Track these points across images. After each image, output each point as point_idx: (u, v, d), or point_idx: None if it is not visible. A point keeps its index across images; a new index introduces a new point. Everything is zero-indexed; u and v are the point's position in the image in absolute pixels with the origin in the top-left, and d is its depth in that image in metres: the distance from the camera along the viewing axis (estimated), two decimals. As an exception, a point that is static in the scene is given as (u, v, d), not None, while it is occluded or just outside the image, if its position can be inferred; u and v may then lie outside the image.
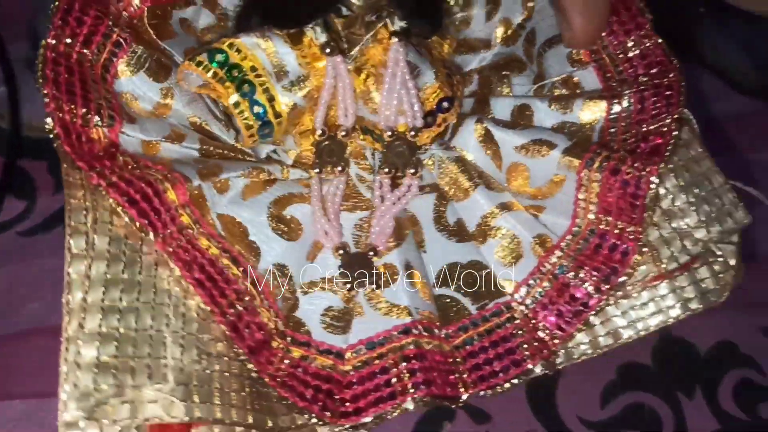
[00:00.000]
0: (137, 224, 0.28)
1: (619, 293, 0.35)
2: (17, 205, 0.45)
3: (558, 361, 0.36)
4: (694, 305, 0.35)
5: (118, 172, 0.28)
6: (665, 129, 0.34)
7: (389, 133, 0.35)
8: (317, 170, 0.35)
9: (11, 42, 0.50)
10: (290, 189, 0.35)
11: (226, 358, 0.29)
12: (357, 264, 0.34)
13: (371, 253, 0.34)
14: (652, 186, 0.32)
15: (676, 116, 0.34)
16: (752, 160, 0.53)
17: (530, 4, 0.40)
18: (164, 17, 0.36)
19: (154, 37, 0.35)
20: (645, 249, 0.34)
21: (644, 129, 0.35)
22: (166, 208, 0.29)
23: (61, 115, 0.28)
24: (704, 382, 0.44)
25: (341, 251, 0.34)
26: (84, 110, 0.30)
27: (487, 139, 0.37)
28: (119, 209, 0.28)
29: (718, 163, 0.36)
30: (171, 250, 0.29)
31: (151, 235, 0.28)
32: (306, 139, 0.36)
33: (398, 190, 0.35)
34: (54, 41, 0.30)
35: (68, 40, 0.31)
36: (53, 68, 0.29)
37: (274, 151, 0.37)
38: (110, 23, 0.32)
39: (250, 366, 0.29)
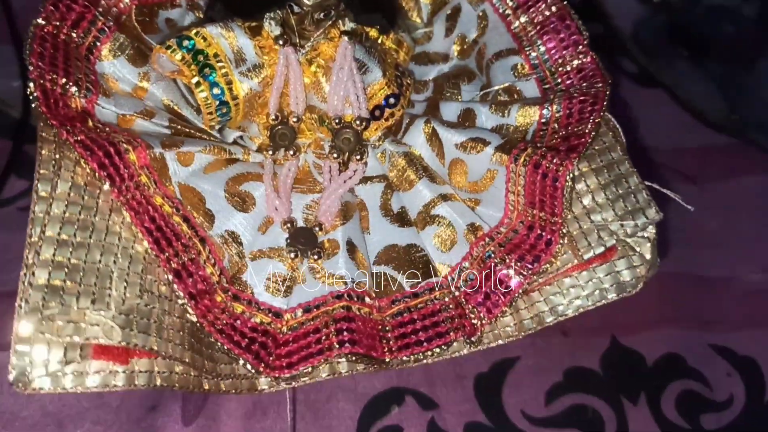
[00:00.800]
0: (96, 174, 0.32)
1: (542, 280, 0.38)
2: (20, 184, 0.50)
3: (486, 341, 0.39)
4: (611, 294, 0.39)
5: (86, 132, 0.33)
6: (585, 131, 0.37)
7: (337, 121, 0.39)
8: (270, 152, 0.39)
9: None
10: (248, 169, 0.39)
11: (168, 300, 0.32)
12: (303, 237, 0.37)
13: (317, 228, 0.38)
14: (569, 179, 0.36)
15: (597, 121, 0.38)
16: (719, 188, 0.56)
17: (483, 23, 0.45)
18: (151, 15, 0.41)
19: (140, 32, 0.40)
20: (566, 240, 0.37)
21: (568, 131, 0.38)
22: (125, 166, 0.33)
23: (42, 81, 0.33)
24: (649, 390, 0.46)
25: (288, 225, 0.38)
26: (64, 80, 0.34)
27: (433, 137, 0.41)
28: (82, 161, 0.32)
29: (683, 189, 0.39)
30: (124, 200, 0.33)
31: (107, 185, 0.32)
32: (267, 129, 0.40)
33: (345, 174, 0.39)
34: (44, 22, 0.35)
35: (57, 23, 0.36)
36: (40, 44, 0.34)
37: (241, 137, 0.41)
38: (97, 12, 0.37)
39: (190, 310, 0.33)
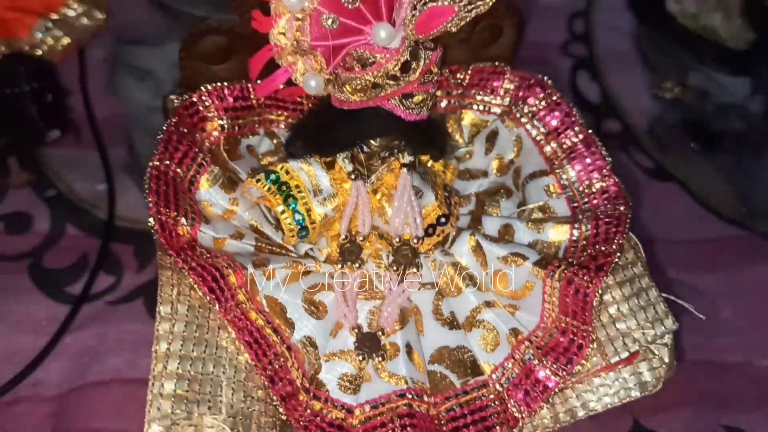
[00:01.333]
0: (207, 298, 0.39)
1: (575, 379, 0.44)
2: (107, 279, 0.56)
3: (526, 430, 0.45)
4: (634, 393, 0.45)
5: (197, 259, 0.40)
6: (611, 251, 0.44)
7: (397, 240, 0.45)
8: (340, 266, 0.45)
9: (111, 148, 0.63)
10: (320, 279, 0.45)
11: (264, 402, 0.39)
12: (368, 341, 0.44)
13: (380, 333, 0.44)
14: (597, 294, 0.42)
15: (620, 242, 0.44)
16: (731, 278, 0.62)
17: (517, 147, 0.51)
18: (235, 144, 0.48)
19: (227, 158, 0.47)
20: (595, 345, 0.43)
21: (595, 249, 0.44)
22: (228, 288, 0.40)
23: (159, 216, 0.40)
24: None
25: (356, 330, 0.44)
26: (175, 213, 0.41)
27: (477, 249, 0.47)
28: (196, 286, 0.39)
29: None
30: (230, 318, 0.39)
31: (217, 306, 0.39)
32: (335, 241, 0.47)
33: (402, 284, 0.45)
34: (158, 162, 0.42)
35: (167, 162, 0.43)
36: (156, 182, 0.41)
37: (311, 249, 0.48)
38: (197, 150, 0.44)
39: (281, 410, 0.39)
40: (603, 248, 0.44)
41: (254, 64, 0.42)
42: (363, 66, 0.40)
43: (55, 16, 0.67)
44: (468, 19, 0.39)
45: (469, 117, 0.53)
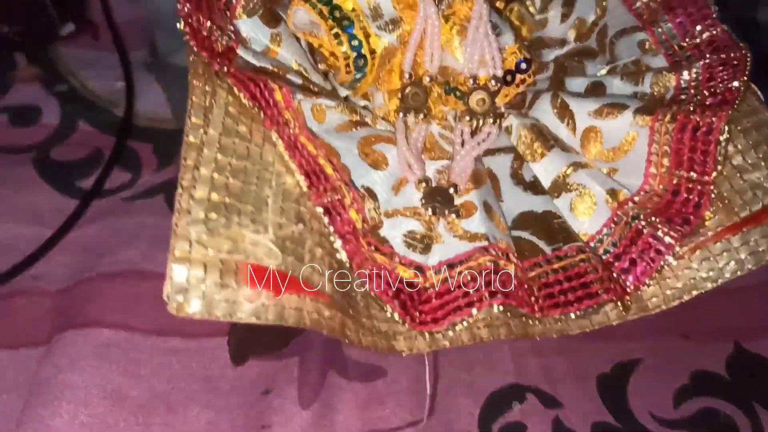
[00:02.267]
0: (249, 103, 0.31)
1: (692, 245, 0.36)
2: (123, 175, 0.49)
3: (631, 312, 0.36)
4: (767, 256, 0.36)
5: (235, 66, 0.32)
6: (733, 88, 0.36)
7: (471, 82, 0.38)
8: (402, 112, 0.38)
9: (132, 49, 0.56)
10: (378, 132, 0.38)
11: (318, 234, 0.31)
12: (439, 195, 0.36)
13: (452, 189, 0.36)
14: (723, 131, 0.34)
15: (744, 79, 0.36)
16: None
17: (603, 4, 0.44)
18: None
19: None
20: (717, 201, 0.35)
21: (713, 90, 0.37)
22: (273, 102, 0.32)
23: (190, 20, 0.33)
24: (782, 398, 0.42)
25: (424, 183, 0.36)
26: (209, 23, 0.34)
27: (563, 109, 0.40)
28: (235, 90, 0.31)
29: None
30: (277, 131, 0.32)
31: (261, 114, 0.31)
32: (393, 97, 0.39)
33: (478, 136, 0.38)
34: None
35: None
36: (186, -14, 0.34)
37: (365, 107, 0.40)
38: (234, -31, 0.37)
39: (340, 249, 0.31)
40: (722, 88, 0.36)
41: None
42: None
43: None
44: None
45: (543, -22, 0.46)
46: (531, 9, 0.46)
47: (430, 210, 0.35)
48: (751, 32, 0.74)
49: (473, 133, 0.38)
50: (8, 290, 0.42)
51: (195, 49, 0.32)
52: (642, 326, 0.39)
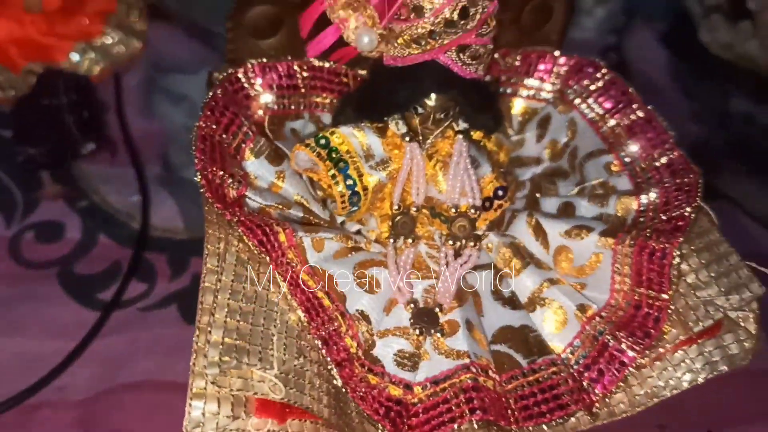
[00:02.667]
0: (257, 250, 0.36)
1: (653, 356, 0.40)
2: (140, 286, 0.54)
3: (600, 417, 0.40)
4: (721, 367, 0.40)
5: (246, 214, 0.37)
6: (686, 214, 0.41)
7: (453, 210, 0.42)
8: (392, 240, 0.42)
9: (147, 164, 0.62)
10: (371, 256, 0.42)
11: (317, 365, 0.35)
12: (425, 316, 0.40)
13: (437, 309, 0.41)
14: (676, 255, 0.39)
15: (695, 204, 0.41)
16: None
17: (571, 131, 0.49)
18: (280, 125, 0.46)
19: (271, 138, 0.45)
20: (674, 316, 0.40)
21: (668, 215, 0.41)
22: (278, 245, 0.37)
23: (205, 172, 0.38)
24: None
25: (412, 305, 0.41)
26: (221, 173, 0.39)
27: (537, 228, 0.44)
28: (245, 238, 0.36)
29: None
30: (281, 272, 0.36)
31: (268, 258, 0.36)
32: (385, 222, 0.44)
33: (461, 258, 0.42)
34: (204, 124, 0.40)
35: (213, 126, 0.41)
36: (202, 141, 0.39)
37: (359, 231, 0.45)
38: (243, 119, 0.42)
39: (336, 376, 0.35)
40: (676, 213, 0.41)
41: (305, 19, 0.40)
42: (419, 14, 0.39)
43: (93, 43, 0.68)
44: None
45: (519, 105, 0.51)
46: (509, 131, 0.51)
47: (417, 330, 0.39)
48: (724, 123, 0.79)
49: (456, 256, 0.42)
50: (35, 402, 0.46)
51: (210, 200, 0.36)
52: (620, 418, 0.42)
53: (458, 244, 0.43)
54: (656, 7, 0.90)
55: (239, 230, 0.36)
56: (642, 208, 0.43)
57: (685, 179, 0.43)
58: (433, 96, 0.42)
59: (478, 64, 0.41)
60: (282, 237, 0.38)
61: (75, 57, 0.66)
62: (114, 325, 0.51)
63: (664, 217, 0.42)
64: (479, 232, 0.44)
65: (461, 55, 0.40)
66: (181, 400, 0.37)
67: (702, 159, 0.73)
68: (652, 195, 0.43)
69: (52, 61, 0.65)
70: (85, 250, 0.55)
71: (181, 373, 0.48)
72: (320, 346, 0.35)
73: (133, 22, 0.72)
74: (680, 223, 0.40)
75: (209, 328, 0.32)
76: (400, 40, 0.39)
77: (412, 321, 0.40)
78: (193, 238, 0.57)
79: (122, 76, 0.69)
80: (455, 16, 0.38)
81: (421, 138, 0.43)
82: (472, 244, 0.43)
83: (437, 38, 0.39)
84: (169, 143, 0.64)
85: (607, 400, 0.40)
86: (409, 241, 0.43)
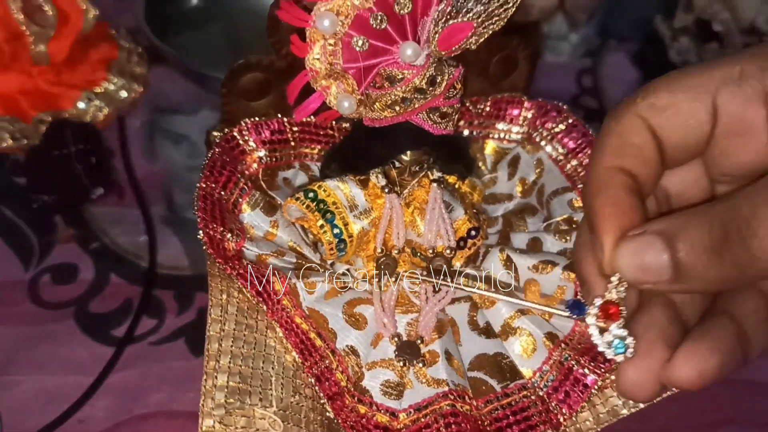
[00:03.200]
0: (255, 300, 0.41)
1: (614, 377, 0.45)
2: (149, 322, 0.58)
3: (568, 433, 0.45)
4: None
5: (243, 267, 0.42)
6: None
7: (430, 251, 0.47)
8: (377, 279, 0.47)
9: (152, 205, 0.66)
10: (359, 295, 0.47)
11: (312, 400, 0.40)
12: (408, 348, 0.45)
13: (419, 341, 0.45)
14: None
15: None
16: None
17: (539, 169, 0.54)
18: (272, 176, 0.51)
19: (265, 189, 0.50)
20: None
21: None
22: (274, 293, 0.42)
23: (207, 230, 0.43)
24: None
25: (396, 339, 0.45)
26: (221, 229, 0.44)
27: (508, 263, 0.49)
28: (244, 290, 0.41)
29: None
30: (276, 318, 0.41)
31: (265, 308, 0.41)
32: (371, 261, 0.49)
33: (438, 295, 0.47)
34: (204, 185, 0.45)
35: (212, 185, 0.46)
36: (203, 200, 0.44)
37: (347, 270, 0.50)
38: (239, 176, 0.47)
39: (329, 409, 0.40)
40: None
41: (292, 89, 0.45)
42: (392, 83, 0.43)
43: (97, 90, 0.72)
44: (486, 36, 0.42)
45: (490, 146, 0.56)
46: (483, 168, 0.56)
47: (401, 362, 0.44)
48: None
49: (435, 291, 0.47)
50: (59, 435, 0.51)
51: (213, 256, 0.41)
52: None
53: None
54: (628, 28, 0.94)
55: (239, 282, 0.41)
56: (601, 243, 0.48)
57: None
58: (408, 152, 0.46)
59: (447, 122, 0.45)
60: (278, 286, 0.42)
61: (81, 105, 0.71)
62: (127, 359, 0.56)
63: None
64: (456, 268, 0.48)
65: (431, 115, 0.45)
66: (192, 426, 0.42)
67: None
68: None
69: (60, 109, 0.70)
70: (98, 289, 0.60)
71: (190, 403, 0.53)
72: (314, 383, 0.40)
73: (134, 67, 0.76)
74: None
75: (215, 373, 0.37)
76: (377, 105, 0.44)
77: (396, 353, 0.45)
78: (198, 274, 0.62)
79: (125, 120, 0.73)
80: (424, 84, 0.43)
81: (399, 188, 0.47)
82: (448, 281, 0.47)
83: (409, 103, 0.44)
84: (171, 184, 0.69)
85: (573, 419, 0.44)
86: (393, 279, 0.47)
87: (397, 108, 0.44)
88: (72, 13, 0.70)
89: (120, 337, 0.57)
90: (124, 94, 0.74)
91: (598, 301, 0.34)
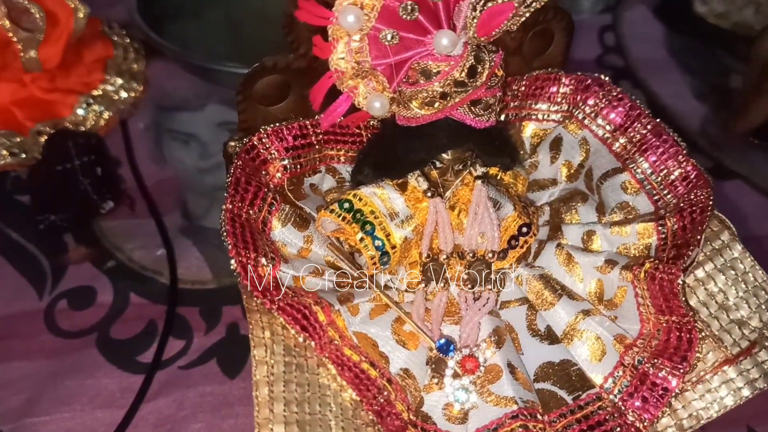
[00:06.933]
0: (301, 337, 0.37)
1: (694, 379, 0.41)
2: (177, 344, 0.55)
3: (649, 444, 0.41)
4: (760, 384, 0.41)
5: (283, 299, 0.38)
6: (693, 240, 0.41)
7: (471, 255, 0.43)
8: (423, 285, 0.43)
9: (166, 214, 0.62)
10: (406, 309, 0.43)
11: (374, 438, 0.36)
12: (434, 363, 0.41)
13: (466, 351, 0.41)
14: (680, 282, 0.39)
15: (702, 229, 0.41)
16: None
17: (584, 150, 0.49)
18: (298, 184, 0.47)
19: (293, 199, 0.46)
20: (709, 338, 0.41)
21: (680, 241, 0.42)
22: (319, 326, 0.38)
23: (240, 258, 0.38)
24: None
25: (433, 352, 0.41)
26: (255, 254, 0.39)
27: (568, 259, 0.45)
28: (288, 326, 0.37)
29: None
30: (327, 354, 0.37)
31: (313, 344, 0.37)
32: (414, 269, 0.45)
33: (479, 302, 0.43)
34: (231, 205, 0.41)
35: (239, 204, 0.41)
36: (232, 224, 0.40)
37: (390, 280, 0.46)
38: (266, 190, 0.43)
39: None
40: (689, 238, 0.42)
41: (315, 94, 0.40)
42: (427, 77, 0.39)
43: (95, 93, 0.68)
44: (527, 15, 0.37)
45: (529, 128, 0.52)
46: (523, 154, 0.51)
47: (435, 379, 0.41)
48: (725, 99, 0.79)
49: (476, 299, 0.43)
50: (94, 478, 0.48)
51: (249, 289, 0.37)
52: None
53: (476, 287, 0.43)
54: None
55: (281, 318, 0.37)
56: (663, 236, 0.43)
57: (700, 196, 0.43)
58: (449, 150, 0.42)
59: (490, 113, 0.41)
60: (321, 316, 0.39)
61: (80, 111, 0.66)
62: (158, 387, 0.52)
63: (678, 243, 0.42)
64: (506, 270, 0.44)
65: (473, 108, 0.40)
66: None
67: (710, 138, 0.74)
68: (670, 222, 0.43)
69: (58, 117, 0.66)
70: (118, 312, 0.57)
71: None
72: (375, 420, 0.37)
73: (131, 64, 0.72)
74: (684, 251, 0.41)
75: (270, 425, 0.34)
76: (413, 103, 0.40)
77: (433, 368, 0.41)
78: (223, 287, 0.58)
79: (128, 123, 0.69)
80: (464, 76, 0.38)
81: (442, 189, 0.43)
82: (489, 287, 0.43)
83: (449, 99, 0.39)
84: (184, 189, 0.65)
85: (654, 426, 0.41)
86: (441, 285, 0.43)
87: (437, 105, 0.39)
88: (61, 13, 0.65)
89: (147, 363, 0.53)
90: (123, 94, 0.69)
91: (466, 351, 0.40)
